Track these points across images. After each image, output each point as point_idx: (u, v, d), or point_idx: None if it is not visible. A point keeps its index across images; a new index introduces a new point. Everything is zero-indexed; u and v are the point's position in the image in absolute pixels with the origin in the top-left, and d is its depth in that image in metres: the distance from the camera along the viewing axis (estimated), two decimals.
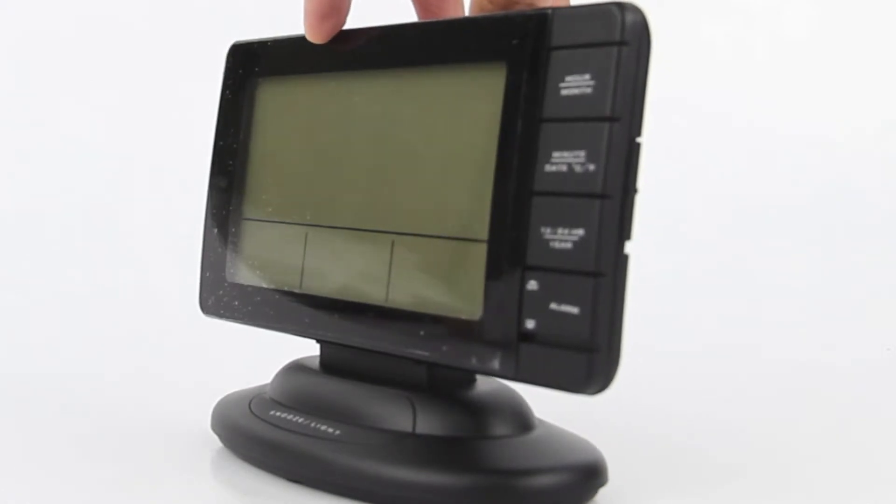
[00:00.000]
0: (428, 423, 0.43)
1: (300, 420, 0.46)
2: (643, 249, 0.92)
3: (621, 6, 0.38)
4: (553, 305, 0.38)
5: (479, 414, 0.43)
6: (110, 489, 0.44)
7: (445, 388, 0.44)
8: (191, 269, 0.54)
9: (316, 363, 0.48)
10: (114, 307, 0.80)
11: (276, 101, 0.49)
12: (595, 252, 0.37)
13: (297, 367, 0.48)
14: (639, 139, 0.38)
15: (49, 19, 1.05)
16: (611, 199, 0.37)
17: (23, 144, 1.01)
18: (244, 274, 0.49)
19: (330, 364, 0.47)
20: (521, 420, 0.44)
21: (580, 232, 0.37)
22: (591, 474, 0.43)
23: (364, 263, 0.44)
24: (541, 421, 0.46)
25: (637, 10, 0.38)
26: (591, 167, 0.37)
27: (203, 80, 1.03)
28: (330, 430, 0.45)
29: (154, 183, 0.98)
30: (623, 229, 0.37)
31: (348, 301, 0.45)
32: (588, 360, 0.37)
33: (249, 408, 0.48)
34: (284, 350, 0.50)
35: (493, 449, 0.42)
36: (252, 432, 0.47)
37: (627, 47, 0.37)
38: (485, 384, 0.45)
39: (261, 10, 0.97)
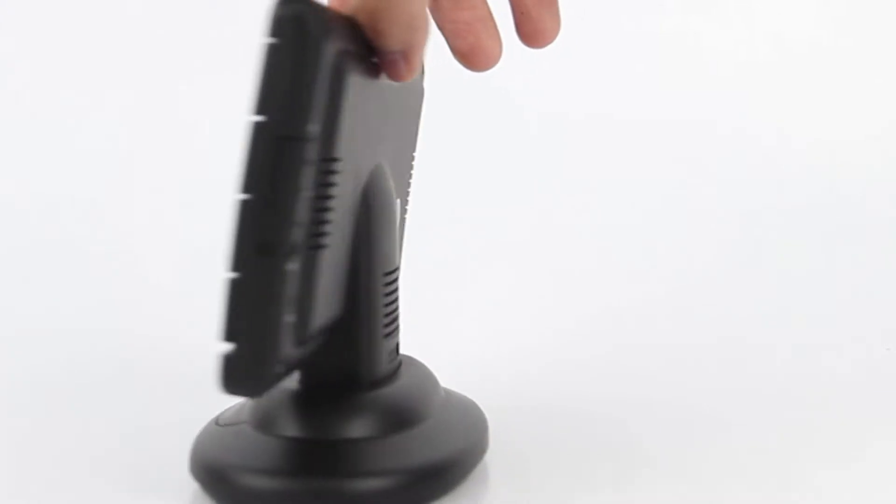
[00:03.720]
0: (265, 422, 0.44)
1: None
2: (643, 250, 0.92)
3: (287, 2, 0.37)
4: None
5: (332, 416, 0.43)
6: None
7: (335, 389, 0.44)
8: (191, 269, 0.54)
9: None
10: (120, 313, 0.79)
11: None
12: (231, 252, 0.36)
13: None
14: (302, 140, 0.36)
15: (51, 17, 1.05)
16: (249, 199, 0.36)
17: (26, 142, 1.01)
18: None
19: None
20: (397, 418, 0.44)
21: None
22: (424, 477, 0.43)
23: None
24: (443, 412, 0.47)
25: (296, 6, 0.36)
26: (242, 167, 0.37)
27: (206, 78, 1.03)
28: (223, 420, 0.46)
29: (154, 183, 0.98)
30: (265, 231, 0.36)
31: None
32: (221, 360, 0.37)
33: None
34: None
35: (332, 451, 0.43)
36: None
37: (276, 42, 0.36)
38: (404, 379, 0.47)
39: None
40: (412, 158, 0.54)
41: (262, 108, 0.37)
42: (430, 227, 0.58)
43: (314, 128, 0.37)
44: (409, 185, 0.54)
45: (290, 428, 0.43)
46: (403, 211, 0.54)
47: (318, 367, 0.45)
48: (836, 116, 1.05)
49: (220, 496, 0.43)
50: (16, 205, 0.95)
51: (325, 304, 0.41)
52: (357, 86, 0.40)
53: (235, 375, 0.37)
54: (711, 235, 0.93)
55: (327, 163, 0.39)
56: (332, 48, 0.37)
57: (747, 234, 0.94)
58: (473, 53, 0.44)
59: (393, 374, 0.47)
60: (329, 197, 0.39)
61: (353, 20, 0.42)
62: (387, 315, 0.46)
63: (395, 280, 0.47)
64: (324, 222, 0.39)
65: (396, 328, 0.48)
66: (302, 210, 0.37)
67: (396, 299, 0.47)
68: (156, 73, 1.04)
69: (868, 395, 0.62)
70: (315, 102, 0.37)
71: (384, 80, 0.44)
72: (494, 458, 0.50)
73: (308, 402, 0.44)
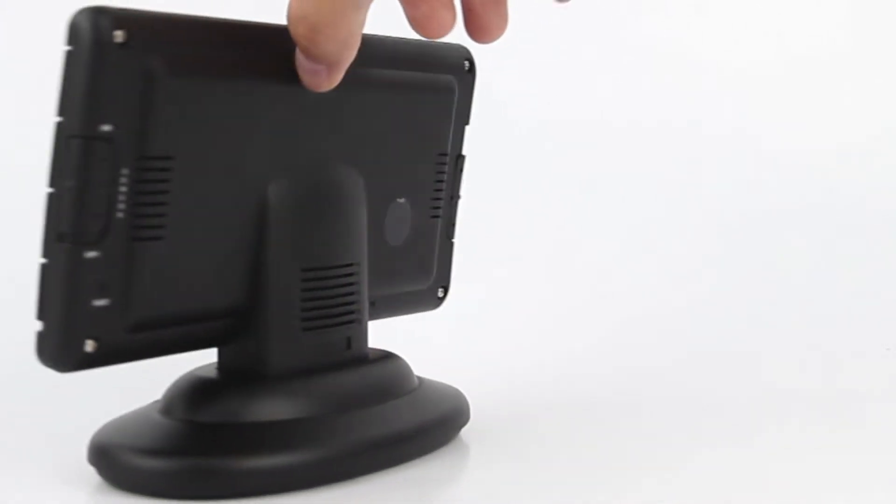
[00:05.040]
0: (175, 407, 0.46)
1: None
2: (640, 249, 0.92)
3: (84, 11, 0.40)
4: None
5: (222, 400, 0.46)
6: None
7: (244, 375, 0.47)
8: None
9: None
10: None
11: None
12: (41, 240, 0.41)
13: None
14: (93, 139, 0.40)
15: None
16: (52, 193, 0.40)
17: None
18: None
19: None
20: (299, 406, 0.46)
21: None
22: (312, 462, 0.46)
23: None
24: (389, 403, 0.49)
25: (89, 15, 0.40)
26: None
27: None
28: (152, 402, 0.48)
29: None
30: (63, 221, 0.40)
31: None
32: (36, 336, 0.41)
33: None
34: None
35: (203, 433, 0.45)
36: None
37: (70, 49, 0.40)
38: (345, 371, 0.49)
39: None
40: (433, 158, 0.55)
41: (60, 110, 0.40)
42: None
43: (107, 128, 0.40)
44: (427, 183, 0.55)
45: (180, 411, 0.46)
46: (422, 209, 0.55)
47: (229, 354, 0.48)
48: (837, 116, 1.05)
49: (104, 472, 0.45)
50: None
51: (184, 292, 0.44)
52: (221, 90, 0.44)
53: (44, 351, 0.41)
54: (709, 235, 0.93)
55: (147, 160, 0.42)
56: (136, 55, 0.41)
57: (746, 234, 0.94)
58: (427, 21, 0.45)
59: (334, 365, 0.49)
60: (156, 192, 0.42)
61: (219, 26, 0.45)
62: (309, 309, 0.48)
63: (335, 276, 0.49)
64: (152, 216, 0.42)
65: (338, 323, 0.49)
66: (98, 203, 0.40)
67: (342, 294, 0.50)
68: None
69: (868, 395, 0.62)
70: (106, 104, 0.40)
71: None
72: (478, 447, 0.52)
73: (207, 387, 0.47)
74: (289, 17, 0.44)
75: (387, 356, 0.52)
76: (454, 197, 0.57)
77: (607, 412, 0.58)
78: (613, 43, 1.07)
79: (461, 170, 0.56)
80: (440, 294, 0.57)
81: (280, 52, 0.45)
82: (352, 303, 0.50)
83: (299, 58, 0.45)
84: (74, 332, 0.41)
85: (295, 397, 0.47)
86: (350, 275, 0.50)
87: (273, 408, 0.46)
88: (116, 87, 0.40)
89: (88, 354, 0.41)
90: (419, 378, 0.53)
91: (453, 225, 0.57)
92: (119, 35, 0.40)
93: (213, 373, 0.48)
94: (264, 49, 0.45)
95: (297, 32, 0.44)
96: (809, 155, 1.03)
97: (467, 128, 0.56)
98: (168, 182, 0.43)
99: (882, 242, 0.92)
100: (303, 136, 0.48)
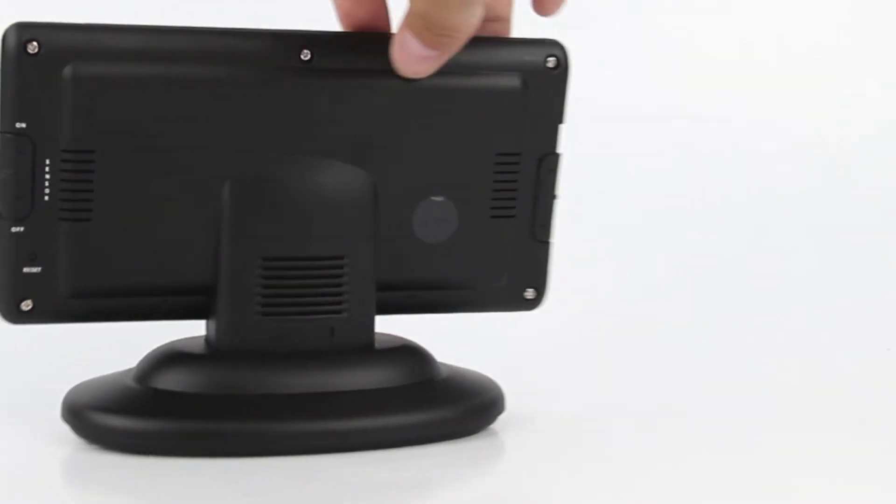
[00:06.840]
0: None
1: None
2: (640, 247, 0.91)
3: (11, 26, 0.46)
4: None
5: (172, 371, 0.50)
6: None
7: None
8: None
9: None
10: None
11: None
12: None
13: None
14: (11, 134, 0.47)
15: None
16: None
17: None
18: None
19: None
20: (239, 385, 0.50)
21: None
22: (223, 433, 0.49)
23: None
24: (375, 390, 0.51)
25: (12, 29, 0.46)
26: None
27: None
28: None
29: None
30: None
31: None
32: None
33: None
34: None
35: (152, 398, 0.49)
36: None
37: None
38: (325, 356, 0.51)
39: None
40: (489, 157, 0.54)
41: None
42: None
43: (22, 125, 0.47)
44: (482, 182, 0.54)
45: (146, 378, 0.50)
46: (476, 208, 0.54)
47: (209, 328, 0.52)
48: (836, 116, 1.05)
49: (75, 427, 0.50)
50: None
51: (130, 268, 0.49)
52: (145, 92, 0.48)
53: None
54: (709, 233, 0.93)
55: (67, 153, 0.48)
56: (48, 63, 0.47)
57: (746, 231, 0.94)
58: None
59: (310, 352, 0.51)
60: (79, 181, 0.48)
61: (147, 33, 0.48)
62: (269, 296, 0.51)
63: (309, 268, 0.51)
64: (77, 200, 0.48)
65: (313, 312, 0.51)
66: (23, 187, 0.47)
67: (320, 286, 0.51)
68: None
69: (868, 395, 0.62)
70: (22, 105, 0.47)
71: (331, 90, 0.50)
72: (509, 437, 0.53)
73: (173, 358, 0.50)
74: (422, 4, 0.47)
75: (398, 347, 0.53)
76: (540, 197, 0.55)
77: (646, 417, 0.58)
78: (618, 36, 1.06)
79: (551, 170, 0.55)
80: (529, 295, 0.56)
81: (231, 55, 0.49)
82: (336, 294, 0.52)
83: (411, 45, 0.48)
84: (11, 293, 0.48)
85: (249, 375, 0.50)
86: (334, 267, 0.51)
87: (223, 382, 0.50)
88: (31, 91, 0.47)
89: (26, 312, 0.48)
90: (448, 368, 0.54)
91: (544, 225, 0.55)
92: (33, 46, 0.46)
93: (188, 345, 0.51)
94: (206, 51, 0.49)
95: (433, 18, 0.47)
96: (809, 152, 1.02)
97: (561, 126, 0.54)
98: (91, 172, 0.48)
99: (883, 241, 0.92)
100: (268, 133, 0.50)
